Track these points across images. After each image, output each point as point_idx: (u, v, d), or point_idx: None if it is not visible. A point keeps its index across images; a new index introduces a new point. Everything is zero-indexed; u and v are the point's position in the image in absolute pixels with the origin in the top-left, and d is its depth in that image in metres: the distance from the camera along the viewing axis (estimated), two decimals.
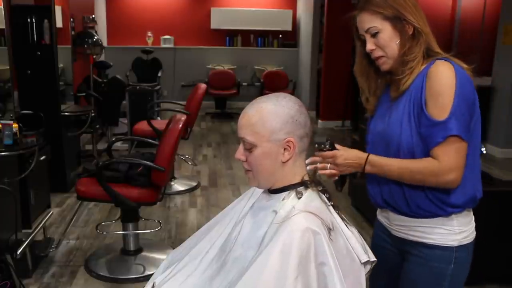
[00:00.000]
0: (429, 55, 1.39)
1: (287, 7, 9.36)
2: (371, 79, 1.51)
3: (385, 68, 1.43)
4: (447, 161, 1.31)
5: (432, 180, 1.34)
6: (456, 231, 1.42)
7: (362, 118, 4.72)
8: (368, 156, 1.39)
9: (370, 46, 1.40)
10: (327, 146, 1.40)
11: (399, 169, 1.36)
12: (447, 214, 1.41)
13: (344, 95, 7.26)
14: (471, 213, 1.47)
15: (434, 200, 1.39)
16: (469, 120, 1.33)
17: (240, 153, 1.26)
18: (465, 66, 1.36)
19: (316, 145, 1.41)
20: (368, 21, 1.38)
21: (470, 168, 1.39)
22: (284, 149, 1.22)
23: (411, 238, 1.46)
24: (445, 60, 1.35)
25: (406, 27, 1.36)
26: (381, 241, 1.56)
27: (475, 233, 1.47)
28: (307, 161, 1.34)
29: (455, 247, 1.42)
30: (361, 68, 1.50)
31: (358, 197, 3.95)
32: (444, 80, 1.31)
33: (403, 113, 1.38)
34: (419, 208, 1.41)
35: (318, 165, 1.40)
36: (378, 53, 1.40)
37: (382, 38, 1.37)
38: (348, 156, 1.39)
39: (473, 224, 1.47)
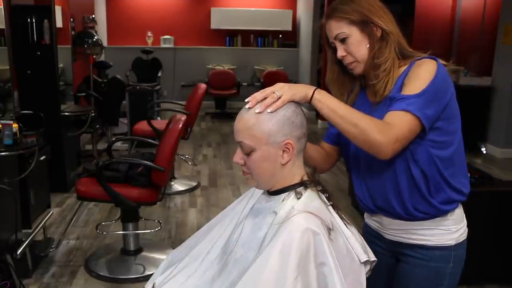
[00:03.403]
0: (404, 56, 1.39)
1: (287, 7, 9.36)
2: (344, 87, 1.50)
3: (358, 72, 1.42)
4: (399, 129, 1.25)
5: (372, 136, 1.23)
6: (452, 230, 1.44)
7: None
8: (315, 88, 1.28)
9: (340, 52, 1.39)
10: None
11: (349, 108, 1.28)
12: (442, 213, 1.42)
13: None
14: (462, 210, 1.48)
15: (431, 200, 1.39)
16: (433, 113, 1.31)
17: (238, 156, 1.26)
18: (444, 62, 1.36)
19: None
20: (336, 28, 1.37)
21: (456, 164, 1.41)
22: (283, 151, 1.22)
23: (408, 241, 1.47)
24: (430, 58, 1.35)
25: (374, 30, 1.36)
26: (372, 245, 1.55)
27: (467, 229, 1.49)
28: (248, 106, 1.21)
29: (453, 245, 1.44)
30: (334, 76, 1.49)
31: None
32: (424, 69, 1.32)
33: None
34: (417, 210, 1.41)
35: (266, 101, 1.20)
36: (349, 59, 1.39)
37: (351, 43, 1.36)
38: (289, 83, 1.27)
39: (465, 221, 1.49)
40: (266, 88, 1.24)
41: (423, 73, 1.31)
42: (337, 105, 1.26)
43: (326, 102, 1.26)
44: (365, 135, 1.24)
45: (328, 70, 1.50)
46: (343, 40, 1.37)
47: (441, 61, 1.36)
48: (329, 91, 1.39)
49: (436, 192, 1.39)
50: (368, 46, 1.36)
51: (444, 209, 1.41)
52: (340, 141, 1.56)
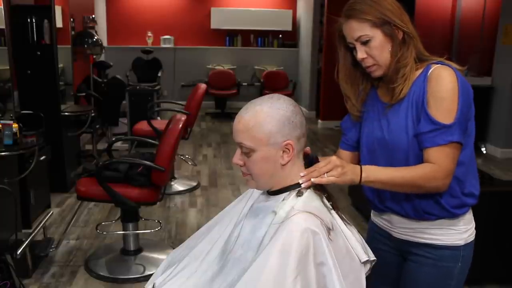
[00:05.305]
0: (421, 60, 1.38)
1: (287, 7, 9.36)
2: (356, 85, 1.49)
3: (377, 75, 1.40)
4: (447, 164, 1.31)
5: (430, 186, 1.32)
6: (462, 230, 1.44)
7: None
8: (361, 166, 1.32)
9: (361, 54, 1.36)
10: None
11: (397, 174, 1.32)
12: (454, 216, 1.42)
13: None
14: (471, 211, 1.48)
15: (444, 205, 1.39)
16: (466, 125, 1.35)
17: (237, 157, 1.26)
18: (459, 68, 1.36)
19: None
20: (358, 29, 1.34)
21: (469, 167, 1.41)
22: (283, 151, 1.22)
23: (417, 240, 1.47)
24: (443, 64, 1.34)
25: (396, 32, 1.34)
26: (378, 244, 1.55)
27: (475, 230, 1.50)
28: (301, 181, 1.24)
29: (462, 245, 1.44)
30: (347, 75, 1.48)
31: (358, 197, 3.95)
32: (447, 85, 1.31)
33: (407, 120, 1.37)
34: (427, 213, 1.42)
35: (314, 179, 1.25)
36: (369, 61, 1.37)
37: (374, 46, 1.34)
38: (342, 161, 1.29)
39: (473, 222, 1.49)
40: (327, 164, 1.26)
41: (446, 90, 1.30)
42: (386, 176, 1.31)
43: (375, 179, 1.30)
44: (423, 188, 1.33)
45: (341, 70, 1.48)
46: (365, 42, 1.35)
47: (456, 66, 1.35)
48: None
49: (450, 197, 1.39)
50: (390, 49, 1.35)
51: (456, 212, 1.41)
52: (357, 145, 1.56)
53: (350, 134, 1.58)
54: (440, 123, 1.30)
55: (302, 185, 1.23)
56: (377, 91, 1.48)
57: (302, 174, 1.24)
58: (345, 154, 1.60)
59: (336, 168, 1.25)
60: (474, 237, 1.48)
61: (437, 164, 1.30)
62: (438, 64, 1.35)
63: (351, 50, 1.41)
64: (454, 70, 1.33)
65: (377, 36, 1.34)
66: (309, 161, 1.33)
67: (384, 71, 1.38)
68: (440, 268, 1.44)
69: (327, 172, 1.25)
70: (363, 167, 1.30)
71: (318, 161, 1.39)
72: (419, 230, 1.45)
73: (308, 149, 1.38)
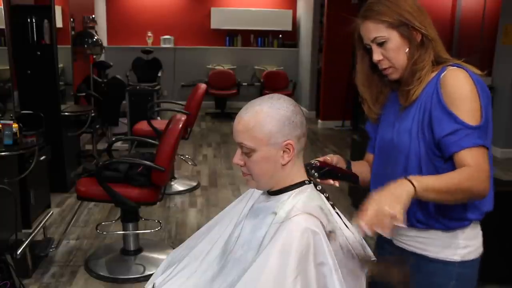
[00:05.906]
0: (438, 62, 1.33)
1: (287, 7, 9.36)
2: (374, 87, 1.44)
3: (394, 78, 1.36)
4: (485, 166, 1.21)
5: (477, 186, 1.20)
6: (460, 245, 1.34)
7: (362, 118, 4.70)
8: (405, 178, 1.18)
9: (377, 56, 1.32)
10: (316, 174, 1.27)
11: (444, 182, 1.19)
12: (449, 229, 1.34)
13: (344, 95, 7.26)
14: (479, 227, 1.38)
15: (434, 214, 1.32)
16: (488, 128, 1.28)
17: (237, 157, 1.25)
18: (478, 72, 1.30)
19: (313, 171, 1.28)
20: (374, 30, 1.30)
21: None
22: (283, 151, 1.22)
23: (410, 249, 1.40)
24: (458, 67, 1.30)
25: (414, 34, 1.30)
26: (383, 252, 1.50)
27: (482, 248, 1.38)
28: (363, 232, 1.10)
29: (458, 262, 1.34)
30: (364, 77, 1.43)
31: (358, 197, 3.95)
32: (462, 87, 1.25)
33: (412, 122, 1.33)
34: (418, 222, 1.35)
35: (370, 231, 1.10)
36: (385, 63, 1.33)
37: (390, 48, 1.30)
38: (383, 191, 1.14)
39: (480, 239, 1.38)
40: (373, 209, 1.11)
41: (462, 92, 1.24)
42: (434, 183, 1.19)
43: (429, 187, 1.17)
44: (470, 193, 1.21)
45: (359, 72, 1.44)
46: (381, 44, 1.31)
47: (473, 69, 1.30)
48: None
49: (445, 209, 1.30)
50: (407, 51, 1.30)
51: (451, 225, 1.33)
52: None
53: (374, 136, 1.53)
54: (465, 123, 1.22)
55: (362, 232, 1.11)
56: (396, 93, 1.43)
57: (362, 224, 1.09)
58: (372, 157, 1.53)
59: (384, 215, 1.09)
60: (477, 256, 1.36)
61: (475, 165, 1.20)
62: (453, 66, 1.30)
63: (369, 52, 1.36)
64: (468, 72, 1.27)
65: (393, 38, 1.30)
66: (308, 167, 1.30)
67: (401, 74, 1.34)
68: (431, 285, 1.36)
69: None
70: (410, 177, 1.17)
71: (350, 167, 1.37)
72: (414, 239, 1.38)
73: (330, 157, 1.34)
